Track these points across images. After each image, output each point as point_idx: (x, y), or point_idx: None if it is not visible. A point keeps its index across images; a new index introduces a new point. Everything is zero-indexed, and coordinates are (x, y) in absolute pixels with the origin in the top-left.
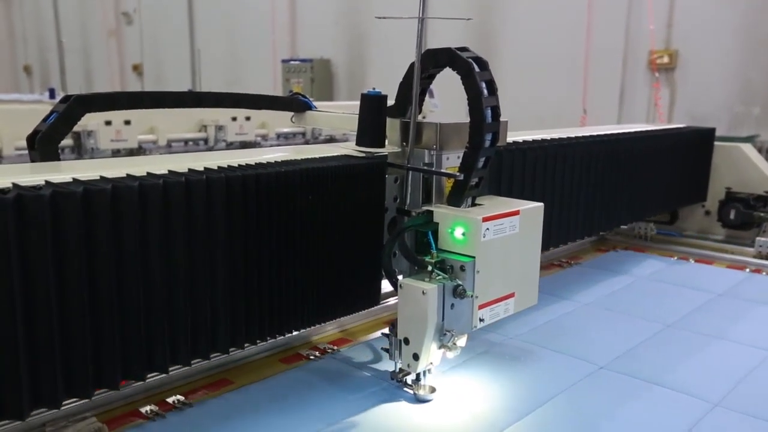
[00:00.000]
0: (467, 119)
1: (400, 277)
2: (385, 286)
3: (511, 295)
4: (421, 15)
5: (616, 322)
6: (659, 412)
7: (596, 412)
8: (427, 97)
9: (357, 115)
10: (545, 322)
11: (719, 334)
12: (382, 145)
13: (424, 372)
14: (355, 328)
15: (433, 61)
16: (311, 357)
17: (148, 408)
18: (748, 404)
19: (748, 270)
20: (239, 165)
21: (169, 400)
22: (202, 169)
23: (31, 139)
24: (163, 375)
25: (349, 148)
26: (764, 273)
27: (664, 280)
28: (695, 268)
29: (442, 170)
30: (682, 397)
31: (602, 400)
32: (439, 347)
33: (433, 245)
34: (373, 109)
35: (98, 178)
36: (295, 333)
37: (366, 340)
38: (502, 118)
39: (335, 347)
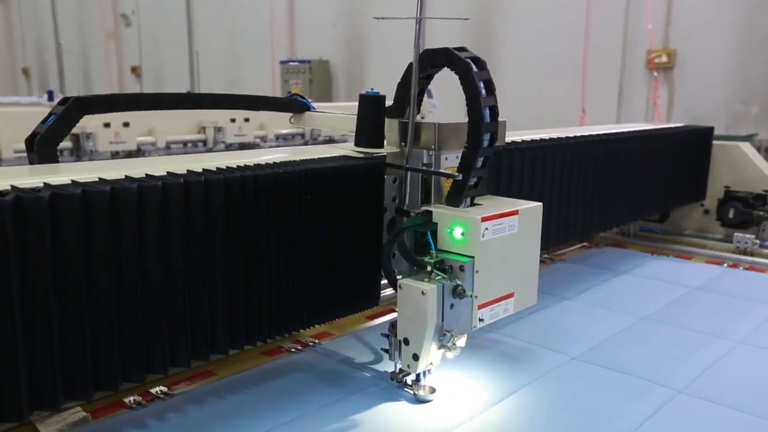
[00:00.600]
0: (466, 119)
1: (399, 278)
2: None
3: (511, 295)
4: (419, 15)
5: (593, 315)
6: (624, 399)
7: (565, 400)
8: (425, 98)
9: (355, 116)
10: (525, 317)
11: (692, 326)
12: (381, 146)
13: (424, 372)
14: (339, 322)
15: (431, 61)
16: (292, 350)
17: (131, 398)
18: (709, 392)
19: (725, 265)
20: (238, 166)
21: (153, 390)
22: (200, 170)
23: (30, 142)
24: None
25: (347, 149)
26: (741, 267)
27: (642, 275)
28: (674, 264)
29: (440, 170)
30: (647, 385)
31: (571, 389)
32: (439, 347)
33: (432, 245)
34: (371, 110)
35: (97, 179)
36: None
37: (350, 332)
38: (500, 118)
39: (317, 341)
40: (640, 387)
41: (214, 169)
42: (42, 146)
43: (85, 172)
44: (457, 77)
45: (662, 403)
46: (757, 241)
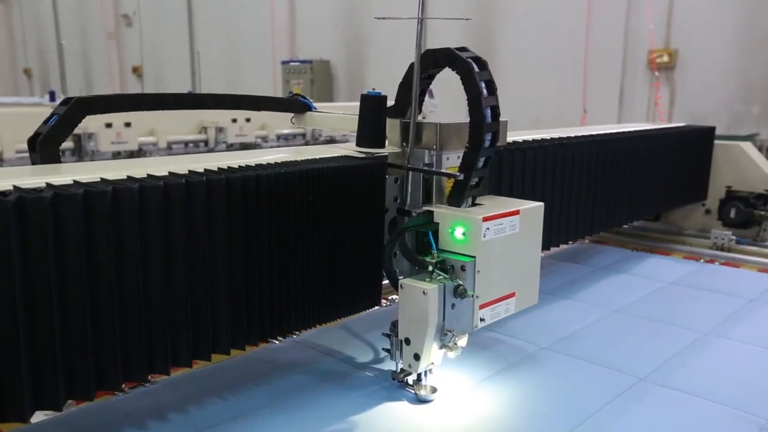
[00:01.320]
0: (467, 119)
1: (400, 278)
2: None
3: (512, 295)
4: (420, 16)
5: (567, 307)
6: (587, 386)
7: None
8: (427, 98)
9: (357, 116)
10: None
11: (662, 319)
12: (382, 146)
13: (425, 372)
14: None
15: (432, 61)
16: (274, 341)
17: None
18: (670, 379)
19: (702, 260)
20: (239, 166)
21: None
22: (202, 170)
23: (32, 142)
24: None
25: (349, 149)
26: (717, 263)
27: (620, 269)
28: (653, 259)
29: (442, 170)
30: (612, 373)
31: (538, 376)
32: (440, 347)
33: (434, 245)
34: (372, 110)
35: (99, 180)
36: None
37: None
38: (501, 118)
39: (298, 332)
40: (604, 375)
41: (216, 169)
42: (44, 146)
43: (87, 173)
44: (458, 77)
45: (624, 389)
46: (734, 238)
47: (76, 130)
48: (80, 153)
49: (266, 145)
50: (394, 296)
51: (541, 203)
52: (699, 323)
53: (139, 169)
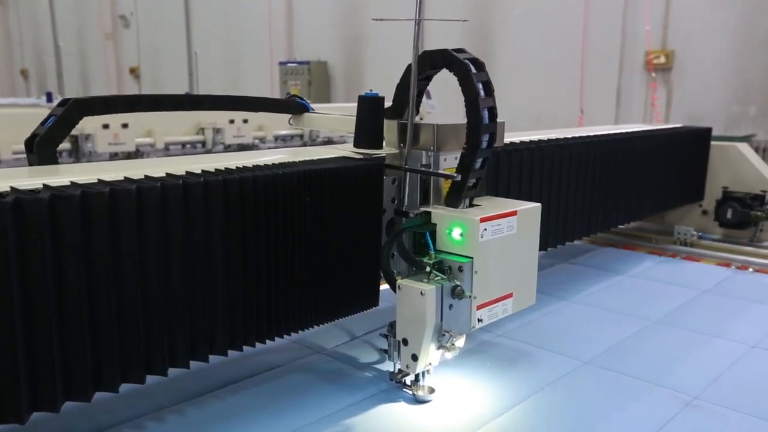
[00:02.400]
0: (464, 120)
1: (398, 278)
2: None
3: (510, 296)
4: (417, 17)
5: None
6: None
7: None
8: (424, 99)
9: (354, 117)
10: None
11: (620, 309)
12: (380, 147)
13: (423, 373)
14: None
15: (430, 62)
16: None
17: None
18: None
19: (664, 255)
20: (236, 167)
21: None
22: (199, 171)
23: (30, 143)
24: None
25: (346, 150)
26: (678, 257)
27: (584, 263)
28: (618, 254)
29: (439, 171)
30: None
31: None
32: (438, 348)
33: (431, 246)
34: (370, 111)
35: (96, 181)
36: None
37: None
38: (499, 119)
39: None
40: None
41: (213, 170)
42: (41, 147)
43: (85, 174)
44: (455, 78)
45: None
46: (695, 233)
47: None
48: (77, 154)
49: (264, 146)
50: None
51: (539, 204)
52: (648, 311)
53: (136, 170)
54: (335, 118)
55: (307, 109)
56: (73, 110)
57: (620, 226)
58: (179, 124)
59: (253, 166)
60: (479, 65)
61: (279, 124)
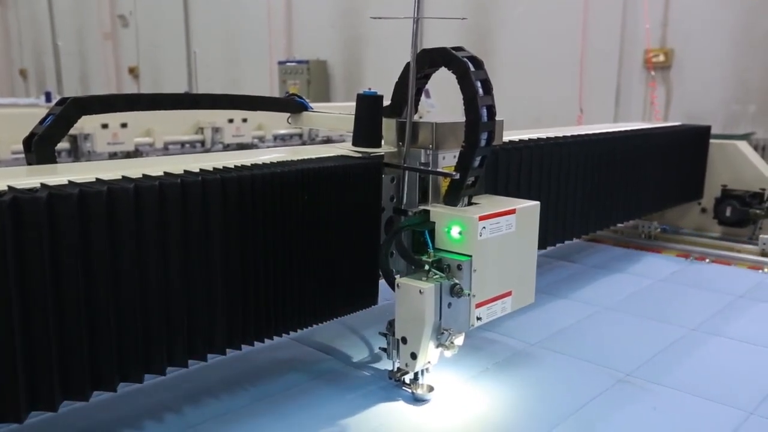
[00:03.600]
0: (463, 119)
1: (397, 277)
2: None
3: (508, 294)
4: (416, 15)
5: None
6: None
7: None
8: (423, 97)
9: (353, 116)
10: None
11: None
12: (379, 145)
13: (422, 371)
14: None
15: (428, 61)
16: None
17: None
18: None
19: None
20: (235, 166)
21: None
22: (197, 170)
23: (28, 142)
24: None
25: (345, 149)
26: (645, 250)
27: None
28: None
29: (438, 170)
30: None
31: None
32: (437, 346)
33: (430, 244)
34: (369, 110)
35: (94, 180)
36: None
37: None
38: (498, 118)
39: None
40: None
41: (211, 169)
42: (40, 146)
43: (83, 173)
44: (454, 77)
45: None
46: (659, 227)
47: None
48: (76, 154)
49: (263, 145)
50: None
51: (537, 202)
52: (601, 299)
53: (134, 169)
54: (334, 117)
55: (305, 107)
56: (71, 109)
57: (619, 225)
58: (178, 124)
59: (252, 165)
60: (478, 63)
61: (278, 123)
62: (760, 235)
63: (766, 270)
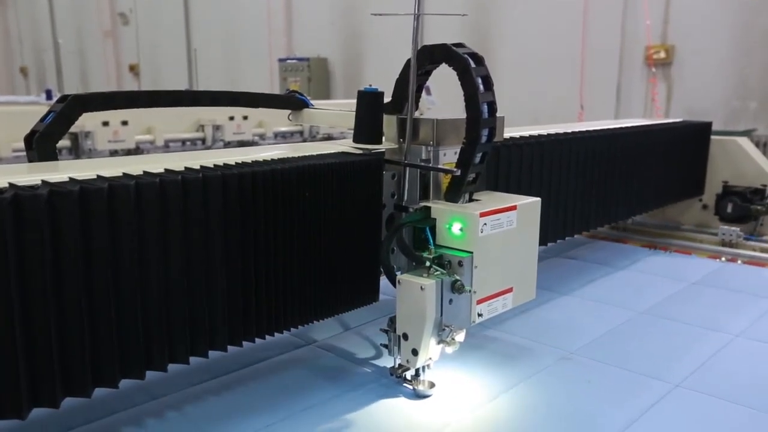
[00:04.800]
0: (464, 115)
1: (398, 273)
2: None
3: (509, 290)
4: (416, 12)
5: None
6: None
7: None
8: (424, 94)
9: (354, 113)
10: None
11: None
12: (379, 142)
13: (423, 367)
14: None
15: (429, 57)
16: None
17: None
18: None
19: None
20: (236, 163)
21: None
22: (198, 167)
23: (29, 139)
24: None
25: (346, 146)
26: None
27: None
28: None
29: (439, 166)
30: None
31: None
32: (438, 342)
33: (431, 241)
34: (369, 106)
35: (95, 177)
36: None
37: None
38: (498, 114)
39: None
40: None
41: (212, 165)
42: (41, 144)
43: (84, 170)
44: (455, 73)
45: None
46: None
47: (73, 129)
48: (77, 152)
49: (264, 142)
50: None
51: (538, 198)
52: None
53: (135, 166)
54: (335, 114)
55: (306, 104)
56: (72, 106)
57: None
58: (179, 122)
59: (253, 161)
60: (478, 60)
61: (279, 120)
62: (720, 226)
63: (723, 259)
